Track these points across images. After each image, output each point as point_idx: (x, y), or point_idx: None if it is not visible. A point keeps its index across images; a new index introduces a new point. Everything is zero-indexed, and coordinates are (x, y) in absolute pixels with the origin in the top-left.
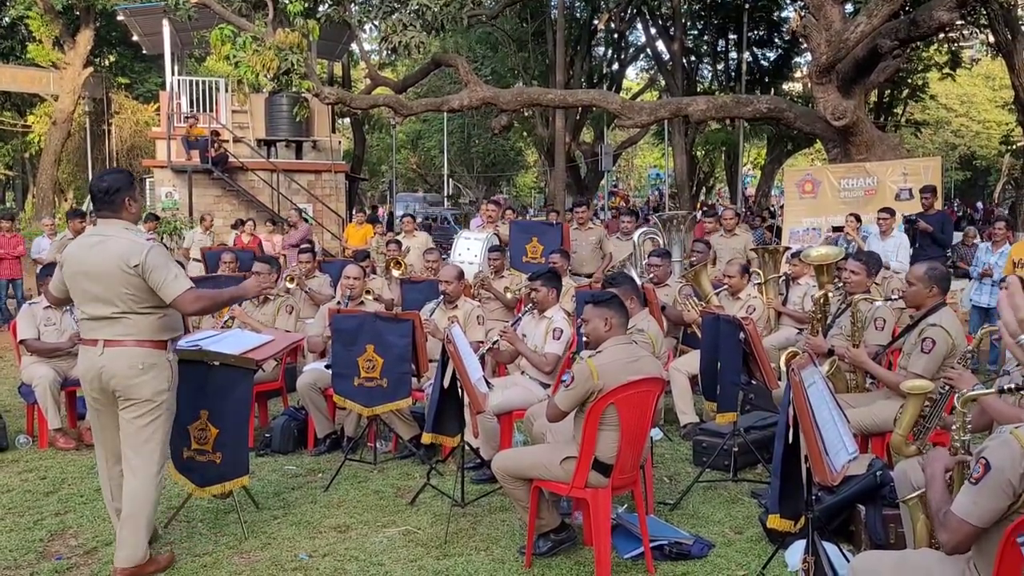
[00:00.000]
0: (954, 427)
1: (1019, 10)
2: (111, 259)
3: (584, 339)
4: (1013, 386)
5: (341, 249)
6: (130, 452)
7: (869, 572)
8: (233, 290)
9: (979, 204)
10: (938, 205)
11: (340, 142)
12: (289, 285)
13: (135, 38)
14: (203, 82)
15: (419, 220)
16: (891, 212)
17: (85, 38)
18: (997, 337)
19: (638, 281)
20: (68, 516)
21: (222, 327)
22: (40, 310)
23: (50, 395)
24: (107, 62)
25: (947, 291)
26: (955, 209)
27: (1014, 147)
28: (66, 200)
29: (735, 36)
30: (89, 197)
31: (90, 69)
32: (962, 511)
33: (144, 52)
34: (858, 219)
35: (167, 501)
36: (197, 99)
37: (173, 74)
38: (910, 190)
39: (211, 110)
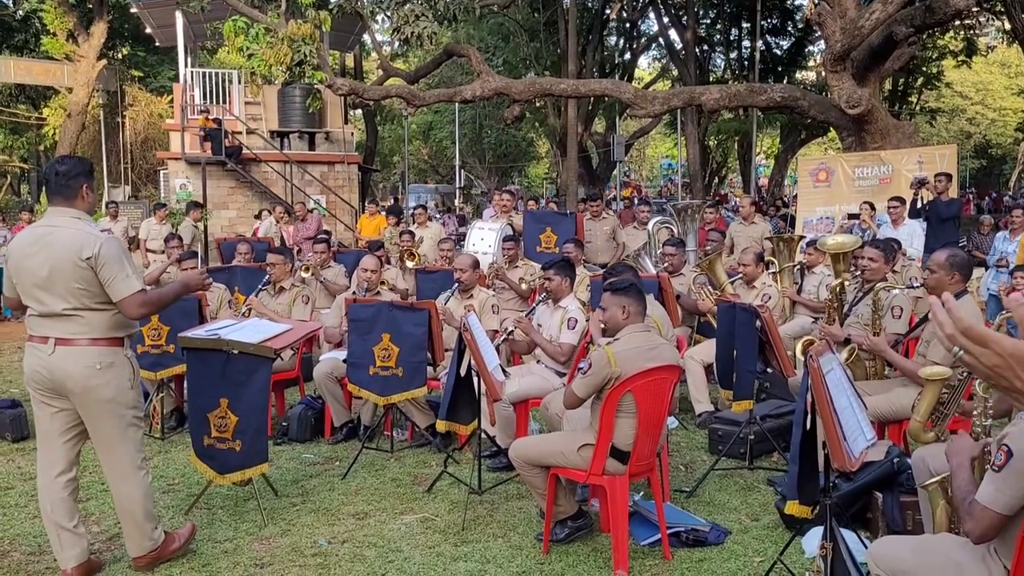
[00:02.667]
0: (976, 412)
1: None
2: (62, 251)
3: (601, 327)
4: None
5: (354, 240)
6: (108, 457)
7: (888, 558)
8: (175, 287)
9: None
10: (954, 193)
11: (352, 133)
12: (305, 275)
13: (148, 30)
14: (216, 74)
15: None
16: (901, 200)
17: (99, 30)
18: (1014, 324)
19: (652, 270)
20: (90, 503)
21: (242, 317)
22: None
23: None
24: (120, 54)
25: (968, 278)
26: (970, 198)
27: None
28: None
29: (748, 24)
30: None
31: (104, 61)
32: (986, 499)
33: (157, 44)
34: (872, 207)
35: (187, 488)
36: (210, 91)
37: (186, 66)
38: (925, 178)
39: (224, 102)
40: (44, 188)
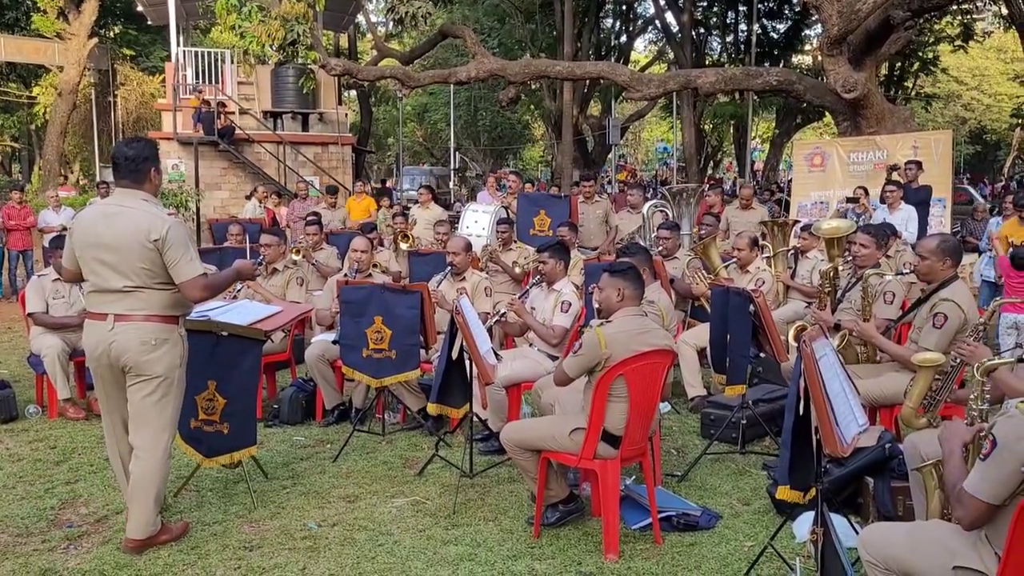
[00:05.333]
0: (972, 396)
1: None
2: (130, 231)
3: (596, 308)
4: None
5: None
6: (140, 429)
7: (879, 543)
8: (229, 274)
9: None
10: (949, 179)
11: (347, 114)
12: (296, 257)
13: (140, 8)
14: (208, 53)
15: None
16: (898, 184)
17: (90, 8)
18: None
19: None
20: (78, 485)
21: (232, 298)
22: (49, 283)
23: (59, 365)
24: (112, 33)
25: (959, 263)
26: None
27: None
28: (72, 172)
29: (745, 8)
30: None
31: (95, 40)
32: (972, 488)
33: (149, 23)
34: (867, 192)
35: (176, 471)
36: (203, 70)
37: (178, 45)
38: (896, 164)
39: (217, 82)
40: (113, 169)
